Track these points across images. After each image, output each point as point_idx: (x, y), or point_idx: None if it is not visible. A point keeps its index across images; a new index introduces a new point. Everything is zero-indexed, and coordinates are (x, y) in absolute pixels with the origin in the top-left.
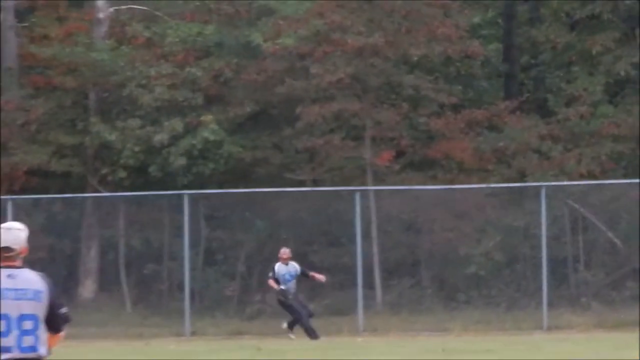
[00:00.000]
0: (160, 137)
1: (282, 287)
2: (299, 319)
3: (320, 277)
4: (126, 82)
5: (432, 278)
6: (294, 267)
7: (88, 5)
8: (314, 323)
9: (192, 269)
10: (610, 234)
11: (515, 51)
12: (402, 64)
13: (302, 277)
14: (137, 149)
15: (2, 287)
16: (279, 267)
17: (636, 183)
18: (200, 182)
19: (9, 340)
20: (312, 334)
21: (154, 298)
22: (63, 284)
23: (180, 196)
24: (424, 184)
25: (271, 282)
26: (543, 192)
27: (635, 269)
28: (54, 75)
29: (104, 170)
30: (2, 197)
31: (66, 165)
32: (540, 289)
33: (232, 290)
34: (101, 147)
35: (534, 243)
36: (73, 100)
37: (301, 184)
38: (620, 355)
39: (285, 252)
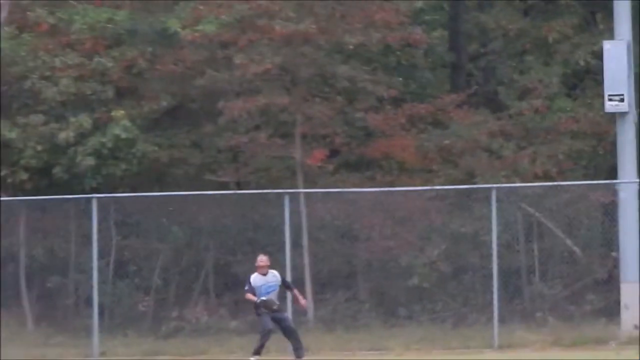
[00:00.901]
0: (65, 135)
1: (264, 298)
2: (262, 333)
3: (304, 302)
4: (28, 73)
5: (370, 291)
6: (274, 276)
7: None
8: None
9: (102, 281)
10: (568, 242)
11: (463, 39)
12: (336, 53)
13: (285, 289)
14: (40, 148)
15: None
16: (255, 278)
17: (597, 184)
18: (111, 184)
19: None
20: (258, 349)
21: (58, 315)
22: None
23: (88, 200)
24: (361, 186)
25: (249, 296)
26: (493, 195)
27: (597, 281)
28: None
29: (3, 172)
30: None
31: None
32: (490, 302)
33: (146, 306)
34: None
35: (484, 252)
36: None
37: (224, 186)
38: None
39: (262, 259)
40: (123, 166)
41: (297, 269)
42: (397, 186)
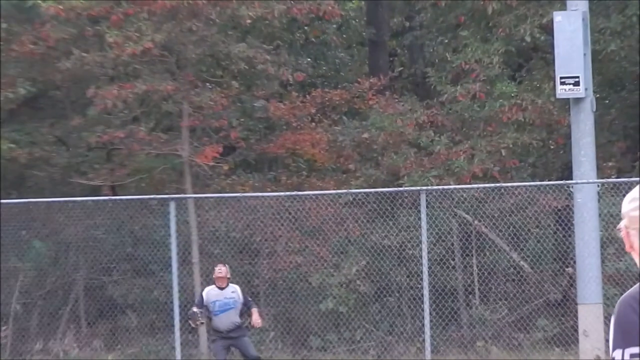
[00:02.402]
0: None
1: (195, 309)
2: None
3: (257, 319)
4: None
5: (275, 317)
6: (234, 292)
7: None
8: None
9: None
10: (514, 256)
11: (384, 11)
12: (230, 29)
13: (245, 309)
14: None
15: None
16: (208, 291)
17: (548, 186)
18: None
19: None
20: None
21: None
22: None
23: None
24: (262, 190)
25: (193, 309)
26: (423, 200)
27: (549, 302)
28: None
29: None
30: None
31: None
32: (421, 329)
33: (4, 337)
34: None
35: (412, 268)
36: None
37: (96, 191)
38: None
39: (221, 270)
40: None
41: (186, 290)
42: (306, 190)
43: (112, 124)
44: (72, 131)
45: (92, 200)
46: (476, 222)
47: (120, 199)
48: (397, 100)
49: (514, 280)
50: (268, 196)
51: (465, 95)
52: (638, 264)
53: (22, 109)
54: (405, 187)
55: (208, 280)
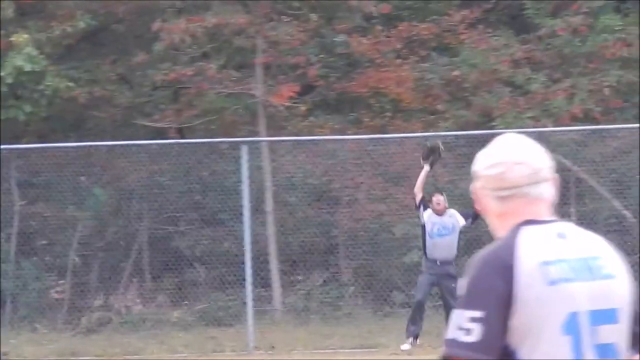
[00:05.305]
0: None
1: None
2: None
3: None
4: None
5: (355, 270)
6: (453, 216)
7: None
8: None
9: (2, 261)
10: (616, 204)
11: None
12: None
13: (472, 222)
14: None
15: None
16: (430, 214)
17: None
18: (12, 132)
19: None
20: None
21: None
22: None
23: None
24: (343, 133)
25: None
26: None
27: None
28: None
29: None
30: None
31: None
32: None
33: (61, 292)
34: None
35: None
36: None
37: (161, 133)
38: None
39: (439, 200)
40: (28, 108)
41: (259, 241)
42: (390, 132)
43: (179, 61)
44: (135, 69)
45: (157, 144)
46: (575, 167)
47: (188, 143)
48: (490, 34)
49: (616, 230)
50: (349, 139)
51: (565, 29)
52: (490, 226)
53: (81, 45)
54: (499, 129)
55: (283, 230)
